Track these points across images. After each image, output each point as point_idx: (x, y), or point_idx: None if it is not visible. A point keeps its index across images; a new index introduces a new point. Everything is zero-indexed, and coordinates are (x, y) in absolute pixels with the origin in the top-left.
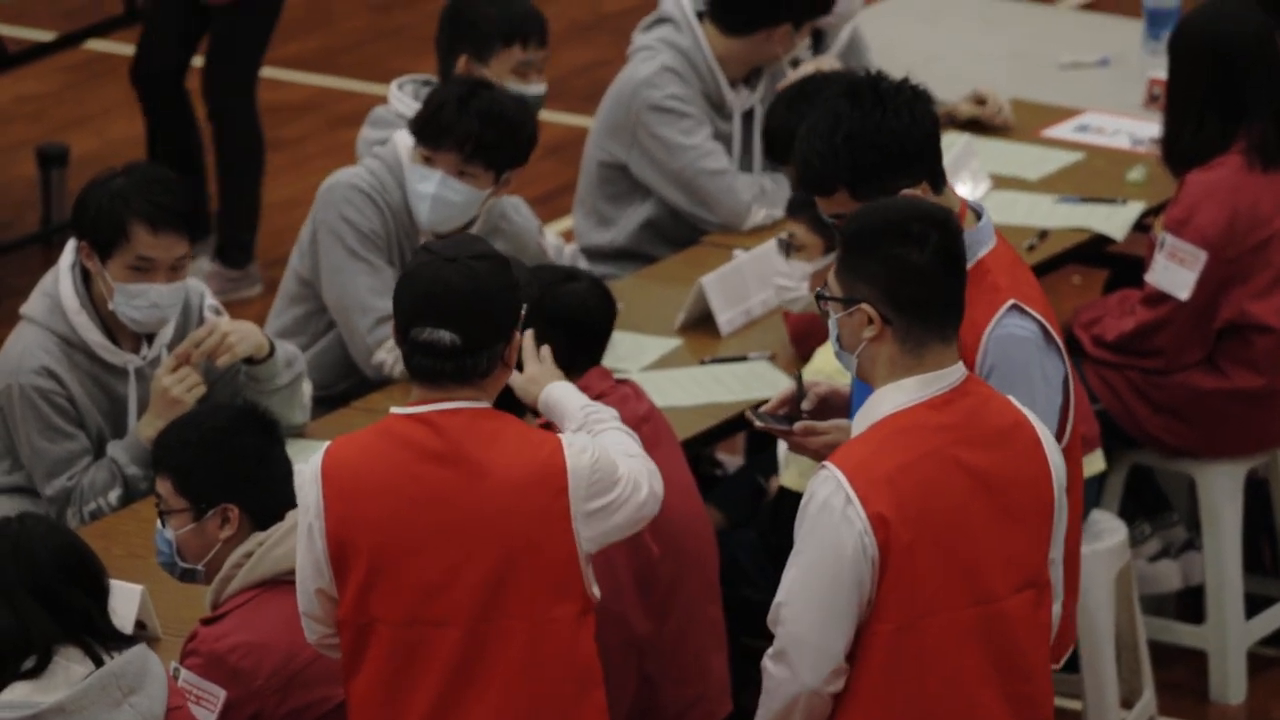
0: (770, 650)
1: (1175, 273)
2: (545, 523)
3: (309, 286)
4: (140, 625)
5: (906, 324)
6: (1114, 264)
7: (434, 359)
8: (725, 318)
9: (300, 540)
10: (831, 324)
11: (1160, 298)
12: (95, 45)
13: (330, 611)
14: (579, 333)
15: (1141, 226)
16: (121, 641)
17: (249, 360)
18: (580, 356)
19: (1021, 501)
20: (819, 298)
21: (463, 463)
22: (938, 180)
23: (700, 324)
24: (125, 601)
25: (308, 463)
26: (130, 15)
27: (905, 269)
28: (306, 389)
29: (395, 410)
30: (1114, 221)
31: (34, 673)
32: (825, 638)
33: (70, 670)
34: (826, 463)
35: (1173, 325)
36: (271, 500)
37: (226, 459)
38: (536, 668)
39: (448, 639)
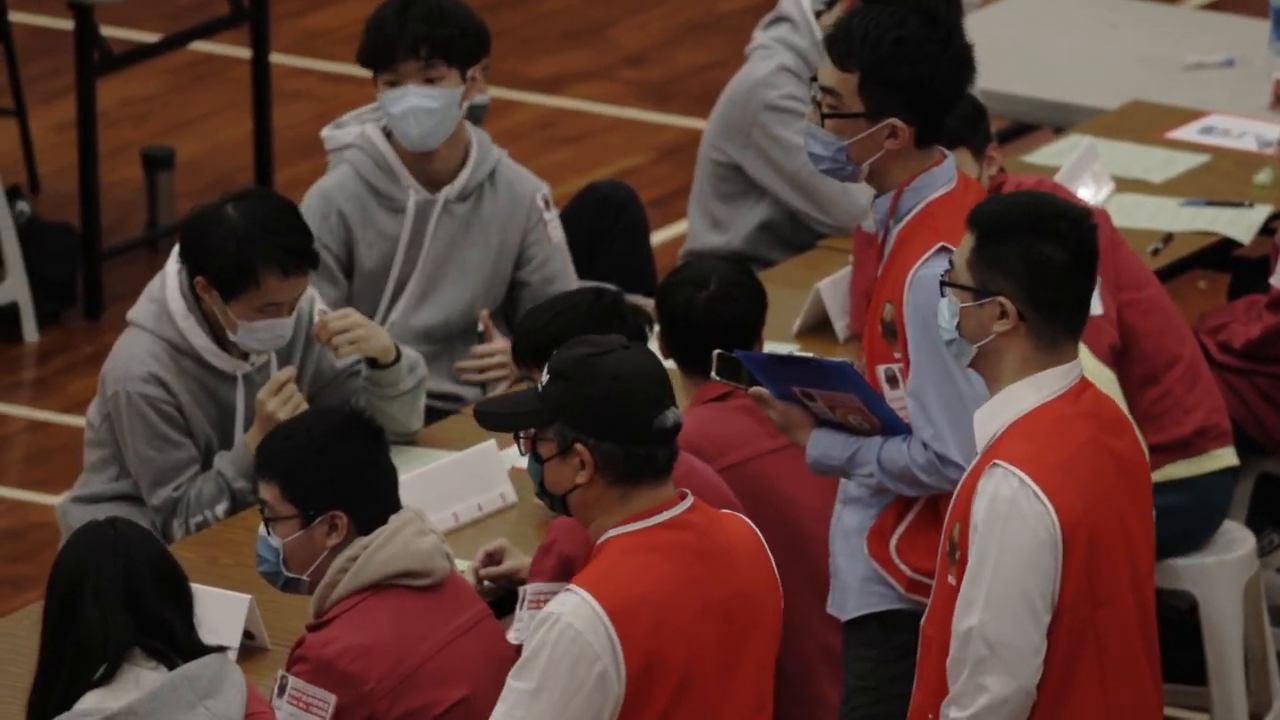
0: (972, 681)
1: None
2: (778, 593)
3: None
4: (249, 635)
5: (1042, 322)
6: (1239, 267)
7: (670, 443)
8: (842, 324)
9: (574, 694)
10: (945, 306)
11: None
12: (201, 46)
13: None
14: (735, 337)
15: (1268, 230)
16: (202, 654)
17: (373, 364)
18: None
19: (1145, 486)
20: (944, 284)
21: (729, 555)
22: (928, 132)
23: (818, 329)
24: (233, 611)
25: (559, 619)
26: (236, 16)
27: (1048, 267)
28: (423, 397)
29: (628, 529)
30: (1240, 225)
31: (104, 680)
32: (1029, 636)
33: (141, 676)
34: (998, 461)
35: None
36: (377, 507)
37: (335, 464)
38: None
39: None
